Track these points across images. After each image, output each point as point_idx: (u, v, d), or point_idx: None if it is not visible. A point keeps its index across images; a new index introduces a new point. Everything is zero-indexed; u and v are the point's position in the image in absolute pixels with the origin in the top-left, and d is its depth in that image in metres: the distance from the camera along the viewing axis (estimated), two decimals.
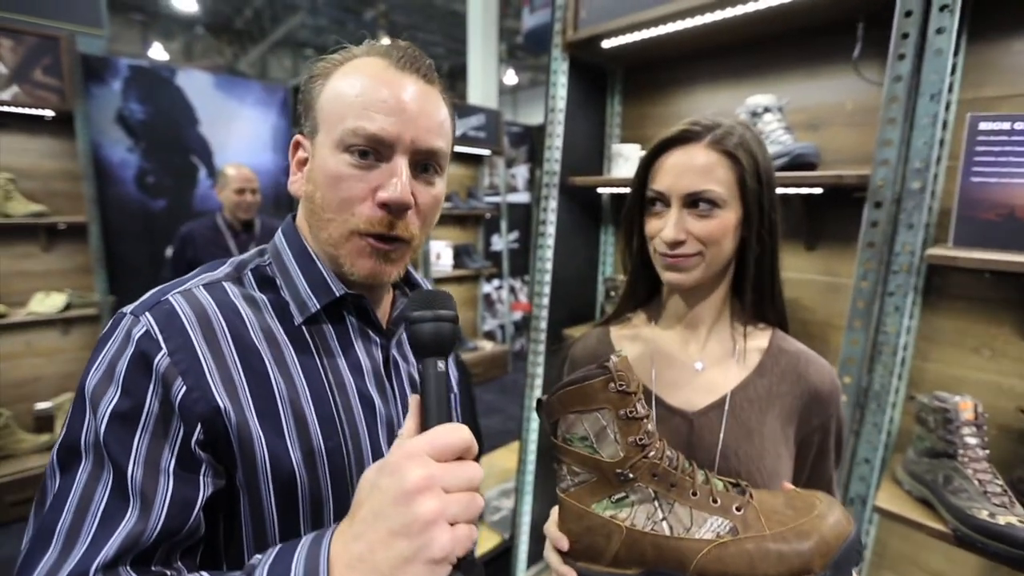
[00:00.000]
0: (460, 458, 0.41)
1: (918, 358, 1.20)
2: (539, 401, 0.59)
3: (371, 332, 0.60)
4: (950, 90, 1.07)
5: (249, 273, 0.57)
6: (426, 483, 0.37)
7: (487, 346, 4.33)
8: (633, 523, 0.53)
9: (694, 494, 0.53)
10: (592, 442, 0.54)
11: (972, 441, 1.02)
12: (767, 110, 1.20)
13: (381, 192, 0.51)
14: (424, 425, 0.43)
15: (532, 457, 1.67)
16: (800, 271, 1.35)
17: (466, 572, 0.39)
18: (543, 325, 1.59)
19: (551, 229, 1.55)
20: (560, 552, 0.58)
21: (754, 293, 0.72)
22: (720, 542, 0.50)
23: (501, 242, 4.47)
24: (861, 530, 0.50)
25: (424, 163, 0.54)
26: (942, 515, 1.01)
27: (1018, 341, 1.09)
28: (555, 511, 0.61)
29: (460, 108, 3.90)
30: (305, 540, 0.40)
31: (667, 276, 0.70)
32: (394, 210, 0.52)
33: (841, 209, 1.26)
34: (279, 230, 0.60)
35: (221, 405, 0.47)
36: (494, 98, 5.82)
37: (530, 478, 1.68)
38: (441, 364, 0.45)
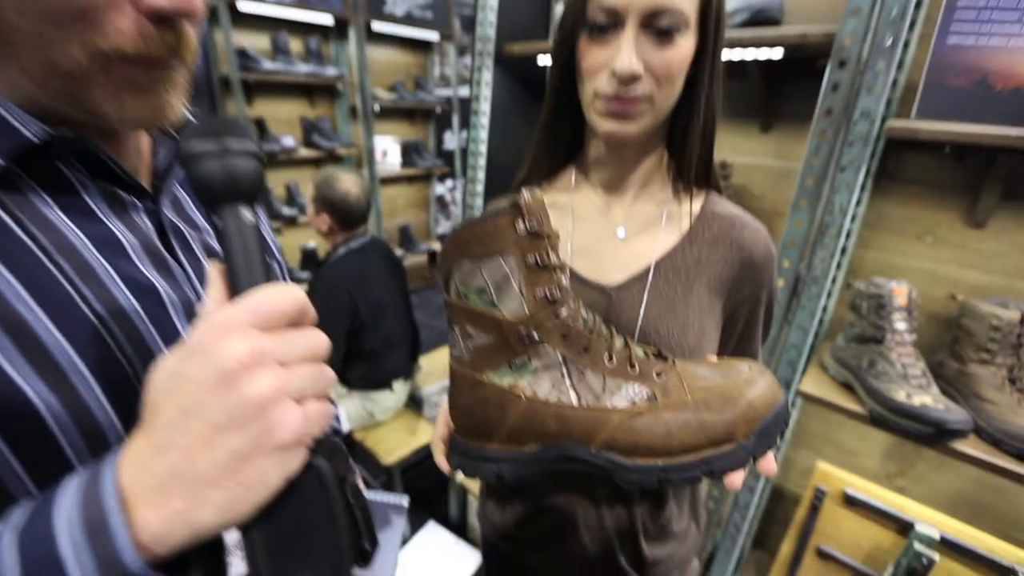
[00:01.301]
0: (294, 325, 0.31)
1: (859, 246, 1.14)
2: (432, 253, 0.46)
3: (121, 193, 0.41)
4: None
5: None
6: (253, 357, 0.28)
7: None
8: (534, 392, 0.43)
9: (610, 359, 0.43)
10: (491, 296, 0.43)
11: (901, 326, 0.99)
12: None
13: None
14: (234, 292, 0.32)
15: None
16: (752, 155, 1.23)
17: (328, 457, 0.31)
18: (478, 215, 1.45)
19: (485, 106, 1.35)
20: (450, 437, 0.50)
21: (698, 151, 0.59)
22: (635, 410, 0.41)
23: (454, 140, 4.16)
24: (789, 400, 0.41)
25: None
26: (861, 397, 1.00)
27: (962, 227, 1.03)
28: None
29: None
30: (70, 482, 0.28)
31: (606, 127, 0.55)
32: (171, 17, 0.33)
33: (801, 83, 1.12)
34: None
35: None
36: None
37: None
38: (247, 213, 0.33)
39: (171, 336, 0.41)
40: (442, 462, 0.50)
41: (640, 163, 0.61)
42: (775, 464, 0.42)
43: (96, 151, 0.37)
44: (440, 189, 4.23)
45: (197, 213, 0.48)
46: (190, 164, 0.33)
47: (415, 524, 1.80)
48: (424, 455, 1.74)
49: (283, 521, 0.29)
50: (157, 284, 0.40)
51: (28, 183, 0.35)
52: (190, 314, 0.43)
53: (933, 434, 0.90)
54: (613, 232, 0.63)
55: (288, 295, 0.31)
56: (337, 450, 0.33)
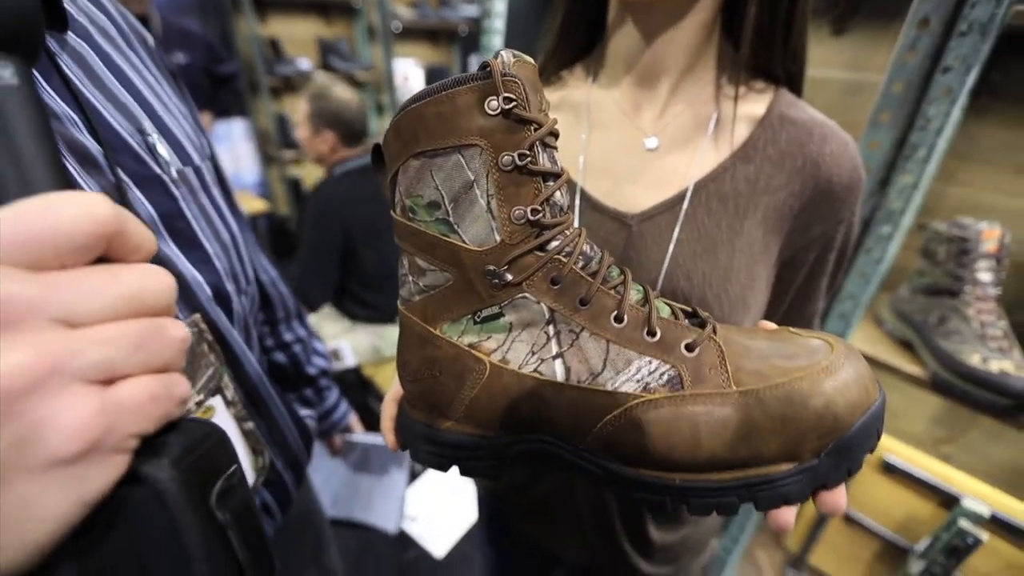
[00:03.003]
0: (103, 259, 0.20)
1: (940, 179, 0.92)
2: (375, 146, 0.31)
3: None
4: None
5: None
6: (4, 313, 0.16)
7: None
8: (504, 358, 0.29)
9: (618, 319, 0.28)
10: (447, 213, 0.28)
11: (985, 277, 0.80)
12: None
13: None
14: None
15: None
16: (819, 65, 0.99)
17: (184, 456, 0.21)
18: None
19: (500, 6, 1.13)
20: (399, 406, 0.37)
21: (760, 21, 0.41)
22: (647, 398, 0.27)
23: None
24: (886, 400, 0.25)
25: None
26: (924, 359, 0.83)
27: None
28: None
29: None
30: None
31: None
32: None
33: None
34: None
35: None
36: None
37: None
38: (13, 75, 0.21)
39: None
40: (388, 433, 0.37)
41: (676, 38, 0.42)
42: (844, 499, 0.26)
43: None
44: None
45: (58, 97, 0.33)
46: None
47: (419, 468, 1.76)
48: None
49: (105, 558, 0.19)
50: None
51: None
52: None
53: (1010, 406, 0.74)
54: (640, 141, 0.45)
55: (86, 206, 0.19)
56: (208, 440, 0.22)
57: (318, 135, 1.47)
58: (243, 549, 0.22)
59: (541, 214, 0.27)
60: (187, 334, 0.22)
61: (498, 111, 0.26)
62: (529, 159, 0.27)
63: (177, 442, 0.21)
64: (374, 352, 1.70)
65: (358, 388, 1.70)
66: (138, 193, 0.37)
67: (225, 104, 2.61)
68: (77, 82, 0.36)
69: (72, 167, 0.33)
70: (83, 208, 0.19)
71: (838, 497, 0.26)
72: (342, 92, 1.46)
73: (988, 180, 0.89)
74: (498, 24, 1.13)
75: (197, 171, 0.43)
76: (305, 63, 2.81)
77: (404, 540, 1.51)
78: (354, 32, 3.14)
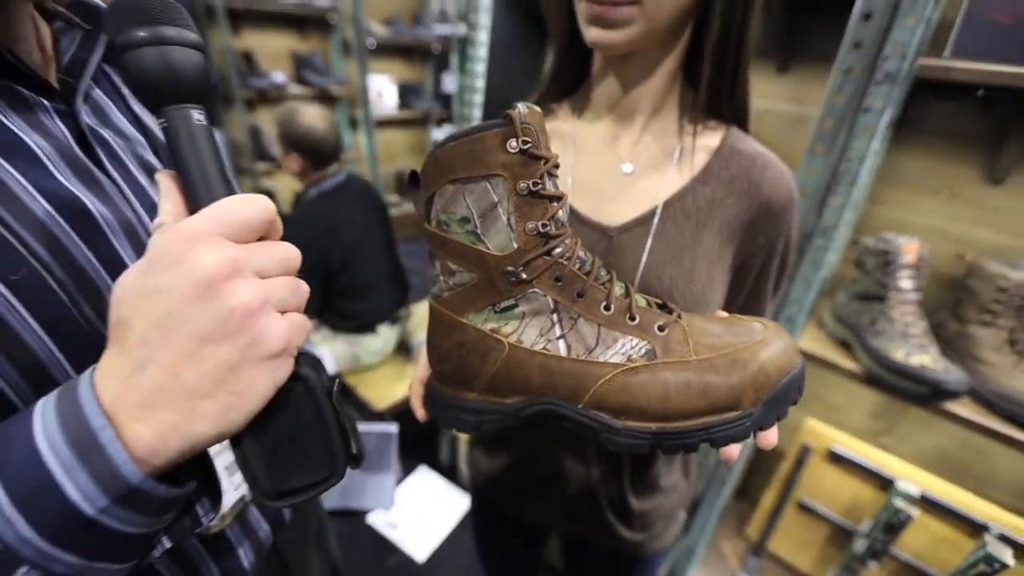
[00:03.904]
0: (263, 238, 0.29)
1: (869, 201, 1.07)
2: (413, 172, 0.40)
3: (24, 91, 0.33)
4: None
5: None
6: (231, 265, 0.26)
7: None
8: (519, 340, 0.37)
9: (607, 308, 0.37)
10: (476, 226, 0.36)
11: (906, 284, 0.94)
12: None
13: None
14: (193, 203, 0.29)
15: None
16: (766, 98, 1.14)
17: (313, 367, 0.31)
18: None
19: (483, 36, 1.23)
20: (427, 383, 0.45)
21: (713, 70, 0.51)
22: (630, 367, 0.35)
23: (453, 82, 3.94)
24: (805, 367, 0.35)
25: None
26: (858, 356, 0.96)
27: (981, 184, 0.96)
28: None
29: None
30: (41, 407, 0.25)
31: (591, 34, 0.48)
32: None
33: (826, 19, 1.02)
34: None
35: None
36: None
37: None
38: (197, 115, 0.30)
39: (112, 261, 0.35)
40: (418, 408, 0.45)
41: (647, 86, 0.53)
42: (776, 436, 0.36)
43: None
44: (438, 134, 4.05)
45: (126, 121, 0.40)
46: (121, 56, 0.28)
47: (407, 468, 1.81)
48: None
49: (275, 428, 0.29)
50: (85, 200, 0.33)
51: None
52: (132, 237, 0.36)
53: (929, 394, 0.87)
54: (618, 167, 0.55)
55: (257, 204, 0.28)
56: (318, 361, 0.32)
57: (288, 156, 1.53)
58: (351, 429, 0.32)
59: (548, 228, 0.36)
60: (308, 290, 0.32)
61: (517, 150, 0.35)
62: (540, 186, 0.36)
63: (308, 358, 0.31)
64: (353, 360, 1.74)
65: (342, 397, 1.74)
66: None
67: None
68: (141, 114, 0.43)
69: (142, 181, 0.40)
70: (260, 204, 0.28)
71: (771, 436, 0.36)
72: (309, 116, 1.51)
73: (909, 201, 1.04)
74: (481, 52, 1.23)
75: None
76: (279, 76, 2.85)
77: (386, 546, 1.55)
78: (329, 47, 3.20)
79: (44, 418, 0.25)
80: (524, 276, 0.37)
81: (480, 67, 1.26)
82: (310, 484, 0.30)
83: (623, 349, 0.36)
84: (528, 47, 1.38)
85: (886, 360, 0.91)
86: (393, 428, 1.74)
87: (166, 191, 0.30)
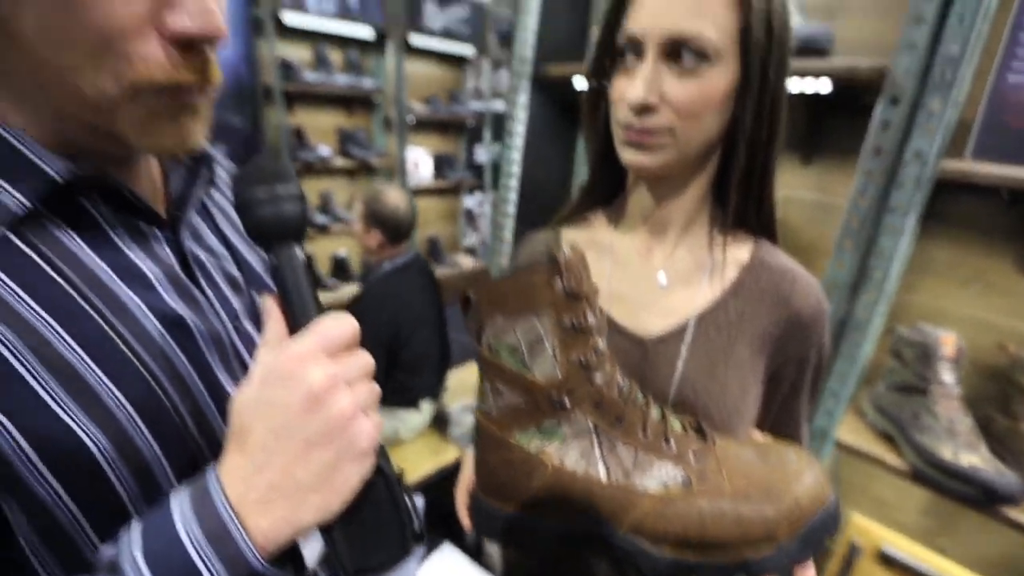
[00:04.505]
0: (350, 350, 0.35)
1: (903, 289, 1.08)
2: (465, 297, 0.44)
3: (142, 224, 0.40)
4: None
5: None
6: (332, 381, 0.32)
7: (466, 262, 4.17)
8: (562, 461, 0.40)
9: (644, 433, 0.40)
10: (523, 356, 0.40)
11: (948, 378, 0.93)
12: None
13: (178, 17, 0.31)
14: (293, 324, 0.35)
15: None
16: (791, 187, 1.18)
17: (385, 457, 0.36)
18: (508, 236, 1.43)
19: (520, 128, 1.34)
20: (473, 494, 0.47)
21: (740, 193, 0.56)
22: (667, 495, 0.38)
23: (484, 153, 4.16)
24: (840, 499, 0.37)
25: None
26: (903, 451, 0.94)
27: (1015, 275, 0.96)
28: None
29: None
30: (177, 501, 0.31)
31: (627, 156, 0.53)
32: (197, 44, 0.33)
33: (846, 117, 1.07)
34: None
35: None
36: None
37: None
38: (298, 250, 0.37)
39: (204, 369, 0.40)
40: (464, 518, 0.48)
41: (680, 203, 0.58)
42: (813, 572, 0.37)
43: (118, 185, 0.37)
44: (469, 202, 4.24)
45: (215, 239, 0.47)
46: (245, 210, 0.36)
47: (431, 542, 1.78)
48: (445, 475, 1.71)
49: (358, 514, 0.33)
50: (185, 316, 0.39)
51: (53, 220, 0.35)
52: (218, 345, 0.42)
53: (981, 498, 0.84)
54: (654, 277, 0.59)
55: (346, 325, 0.34)
56: (384, 450, 0.37)
57: (369, 232, 1.67)
58: (414, 513, 0.36)
59: (589, 358, 0.40)
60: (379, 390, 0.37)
61: (562, 289, 0.39)
62: (581, 321, 0.40)
63: (380, 448, 0.36)
64: (394, 435, 1.76)
65: None
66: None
67: None
68: (225, 230, 0.50)
69: (227, 292, 0.46)
70: (348, 324, 0.34)
71: (808, 571, 0.36)
72: (394, 197, 1.68)
73: (942, 290, 1.04)
74: (515, 155, 1.33)
75: None
76: (325, 150, 3.08)
77: None
78: (372, 123, 3.46)
79: (182, 513, 0.30)
80: (567, 402, 0.40)
81: (516, 154, 1.36)
82: (384, 561, 0.34)
83: (660, 476, 0.39)
84: (560, 137, 1.48)
85: (933, 458, 0.88)
86: (420, 501, 1.72)
87: (271, 313, 0.36)
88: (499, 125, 4.21)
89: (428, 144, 3.79)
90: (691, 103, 0.48)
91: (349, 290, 2.98)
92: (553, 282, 0.39)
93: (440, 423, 1.90)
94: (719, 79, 0.48)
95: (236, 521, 0.30)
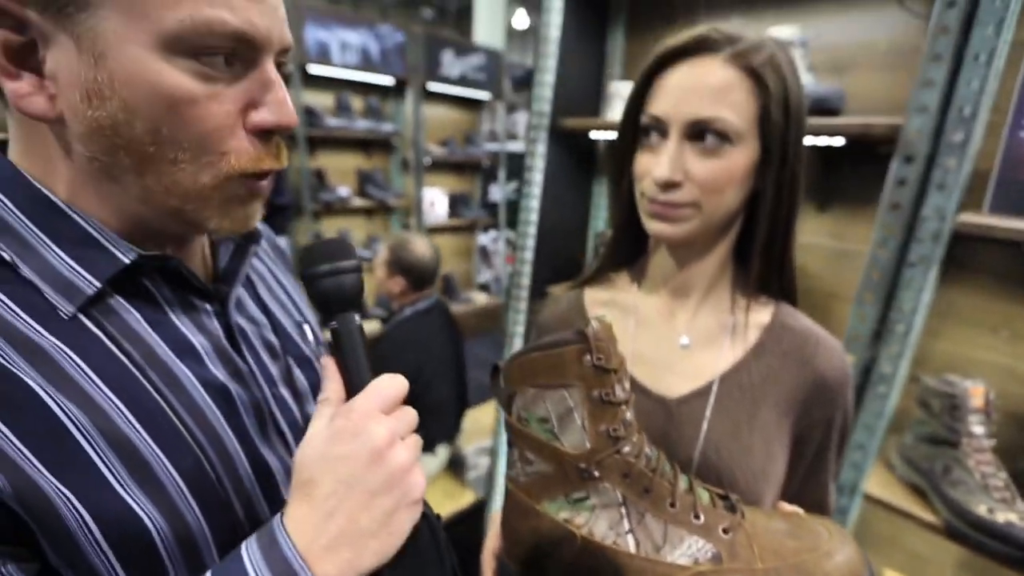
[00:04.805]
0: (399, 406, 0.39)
1: (927, 335, 1.07)
2: (495, 367, 0.46)
3: (195, 299, 0.42)
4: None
5: None
6: (392, 437, 0.36)
7: (480, 299, 4.20)
8: (591, 532, 0.41)
9: (672, 505, 0.41)
10: (553, 426, 0.42)
11: (978, 430, 0.91)
12: (789, 44, 1.01)
13: (261, 113, 0.37)
14: (349, 382, 0.39)
15: None
16: (808, 234, 1.19)
17: (427, 504, 0.39)
18: (525, 281, 1.45)
19: (538, 177, 1.38)
20: (499, 562, 0.48)
21: (762, 260, 0.58)
22: (697, 571, 0.38)
23: (499, 192, 4.26)
24: (871, 559, 0.37)
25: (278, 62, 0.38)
26: (935, 506, 0.91)
27: None
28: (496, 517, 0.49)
29: (457, 46, 3.60)
30: (246, 551, 0.33)
31: (652, 226, 0.55)
32: (272, 132, 0.38)
33: (861, 166, 1.09)
34: None
35: None
36: (500, 39, 5.43)
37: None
38: (356, 317, 0.41)
39: (244, 437, 0.42)
40: (486, 559, 0.49)
41: (702, 267, 0.59)
42: None
43: (180, 268, 0.40)
44: (484, 239, 4.31)
45: (256, 308, 0.50)
46: (311, 283, 0.41)
47: None
48: (460, 519, 1.69)
49: (408, 556, 0.36)
50: (229, 386, 0.42)
51: (117, 300, 0.38)
52: (257, 413, 0.44)
53: (1020, 556, 0.81)
54: (676, 339, 0.61)
55: (398, 383, 0.38)
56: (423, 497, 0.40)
57: (392, 278, 1.71)
58: (452, 555, 0.39)
59: (618, 430, 0.41)
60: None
61: (591, 364, 0.41)
62: (610, 395, 0.41)
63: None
64: None
65: None
66: (298, 372, 0.52)
67: (276, 229, 2.93)
68: (264, 298, 0.53)
69: (265, 360, 0.48)
70: (400, 383, 0.38)
71: None
72: (421, 246, 1.74)
73: (968, 337, 1.03)
74: (534, 203, 1.38)
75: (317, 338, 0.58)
76: (344, 190, 3.18)
77: None
78: (389, 165, 3.57)
79: (254, 564, 0.32)
80: (596, 473, 0.41)
81: (535, 203, 1.40)
82: None
83: (690, 551, 0.39)
84: (577, 186, 1.52)
85: (968, 514, 0.86)
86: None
87: (330, 374, 0.39)
88: (513, 165, 4.32)
89: (444, 184, 3.89)
90: (714, 180, 0.51)
91: (366, 326, 3.02)
92: (583, 357, 0.41)
93: (456, 466, 1.89)
94: (740, 157, 0.51)
95: (305, 567, 0.32)
